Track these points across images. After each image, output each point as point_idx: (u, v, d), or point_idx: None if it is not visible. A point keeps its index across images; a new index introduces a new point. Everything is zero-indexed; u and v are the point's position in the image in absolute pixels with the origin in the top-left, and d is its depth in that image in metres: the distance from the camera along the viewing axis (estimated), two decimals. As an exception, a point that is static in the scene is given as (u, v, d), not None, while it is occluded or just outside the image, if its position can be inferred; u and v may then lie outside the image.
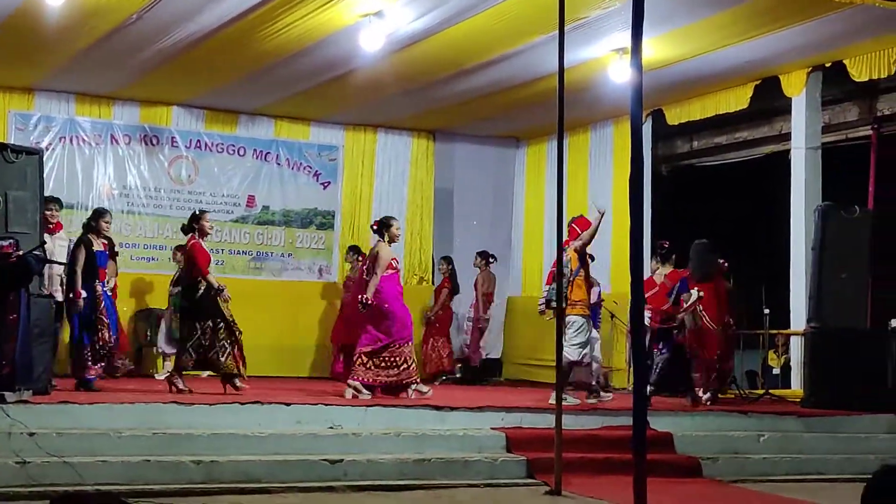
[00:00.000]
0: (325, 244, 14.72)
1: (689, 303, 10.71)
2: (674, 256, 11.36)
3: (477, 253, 14.42)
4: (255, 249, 14.38)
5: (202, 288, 9.72)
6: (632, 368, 9.61)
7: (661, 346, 11.16)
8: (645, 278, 10.44)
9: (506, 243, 15.78)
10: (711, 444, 8.93)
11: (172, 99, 13.84)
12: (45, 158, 11.01)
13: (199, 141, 14.18)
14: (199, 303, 9.70)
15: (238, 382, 9.66)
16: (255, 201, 14.48)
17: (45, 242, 8.85)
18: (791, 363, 12.20)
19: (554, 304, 9.30)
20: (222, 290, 9.73)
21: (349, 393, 9.66)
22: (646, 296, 10.26)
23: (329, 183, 14.87)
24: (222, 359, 9.61)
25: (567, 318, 9.52)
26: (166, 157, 14.01)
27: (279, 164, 14.59)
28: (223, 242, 14.12)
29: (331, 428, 8.11)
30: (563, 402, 8.19)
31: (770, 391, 11.76)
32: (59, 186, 13.07)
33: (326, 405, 8.48)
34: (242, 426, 7.88)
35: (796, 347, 11.86)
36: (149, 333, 12.89)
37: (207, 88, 13.10)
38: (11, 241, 8.16)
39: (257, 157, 14.50)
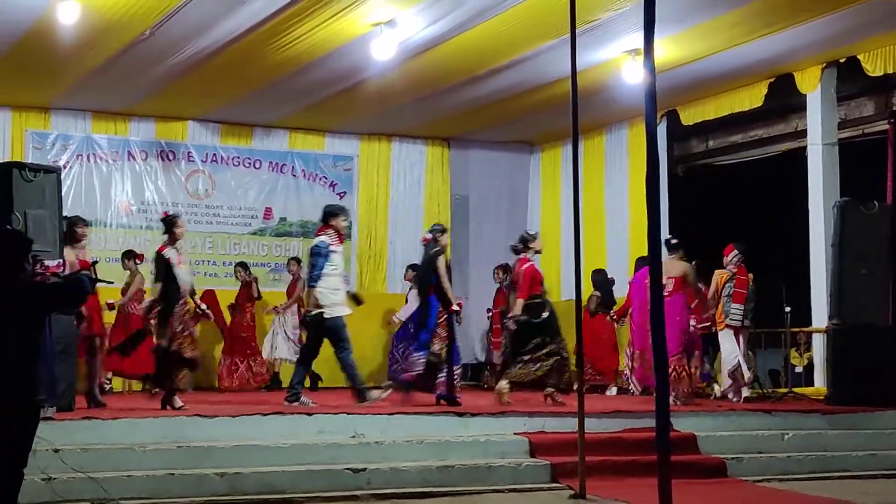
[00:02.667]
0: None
1: None
2: None
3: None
4: (273, 261, 14.41)
5: (547, 308, 10.20)
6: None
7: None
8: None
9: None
10: (735, 444, 8.91)
11: (187, 114, 13.90)
12: (62, 176, 11.06)
13: (215, 155, 14.24)
14: (544, 322, 10.14)
15: (558, 397, 10.07)
16: (273, 213, 14.54)
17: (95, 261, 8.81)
18: (814, 361, 12.13)
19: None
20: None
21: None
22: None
23: (345, 193, 14.90)
24: (556, 375, 10.08)
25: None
26: (183, 171, 14.07)
27: (295, 175, 14.64)
28: (242, 255, 14.16)
29: (353, 437, 8.13)
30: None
31: (793, 389, 11.70)
32: (78, 204, 13.11)
33: (349, 414, 8.48)
34: (265, 437, 7.91)
35: (818, 345, 11.79)
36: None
37: (222, 102, 13.16)
38: (60, 260, 8.22)
39: (273, 170, 14.55)
